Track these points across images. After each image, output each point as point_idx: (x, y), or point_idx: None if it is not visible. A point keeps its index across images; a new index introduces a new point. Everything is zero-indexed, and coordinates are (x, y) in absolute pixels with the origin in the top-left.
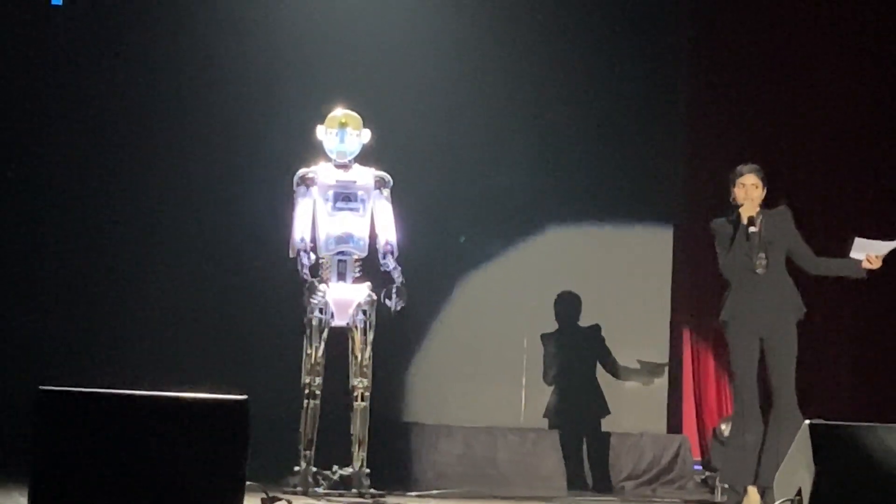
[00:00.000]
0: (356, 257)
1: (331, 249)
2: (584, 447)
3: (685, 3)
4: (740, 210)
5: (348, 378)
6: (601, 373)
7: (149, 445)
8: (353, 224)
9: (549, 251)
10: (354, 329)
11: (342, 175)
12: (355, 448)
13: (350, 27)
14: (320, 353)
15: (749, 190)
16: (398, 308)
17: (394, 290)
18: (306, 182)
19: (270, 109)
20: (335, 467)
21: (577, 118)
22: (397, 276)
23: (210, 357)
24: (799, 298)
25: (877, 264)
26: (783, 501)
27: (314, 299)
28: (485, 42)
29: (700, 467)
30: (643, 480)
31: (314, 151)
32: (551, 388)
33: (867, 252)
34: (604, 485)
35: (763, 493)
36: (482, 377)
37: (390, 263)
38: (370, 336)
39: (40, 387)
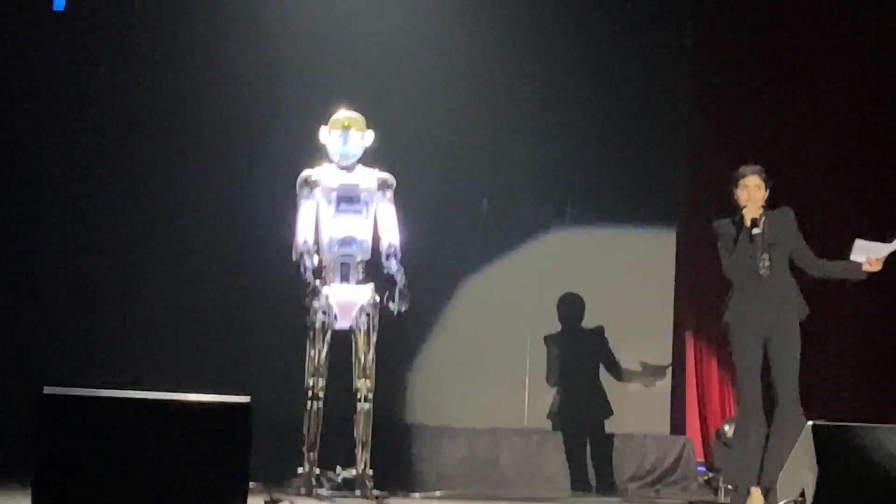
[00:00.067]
0: (359, 259)
1: (334, 252)
2: (588, 448)
3: (687, 4)
4: (743, 211)
5: (351, 380)
6: (604, 374)
7: (151, 447)
8: (357, 226)
9: (551, 253)
10: (357, 331)
11: (345, 177)
12: (358, 450)
13: (353, 29)
14: (323, 355)
15: (752, 191)
16: (401, 310)
17: (396, 293)
18: (309, 184)
19: (273, 111)
20: (338, 469)
21: (579, 119)
22: (400, 279)
23: (213, 359)
24: (802, 299)
25: (877, 267)
26: (786, 502)
27: (317, 302)
28: (487, 43)
29: (703, 468)
30: (647, 482)
31: (317, 153)
32: (554, 389)
33: (867, 254)
34: (607, 486)
35: (766, 493)
36: (485, 379)
37: (393, 265)
38: (373, 338)
39: (43, 389)
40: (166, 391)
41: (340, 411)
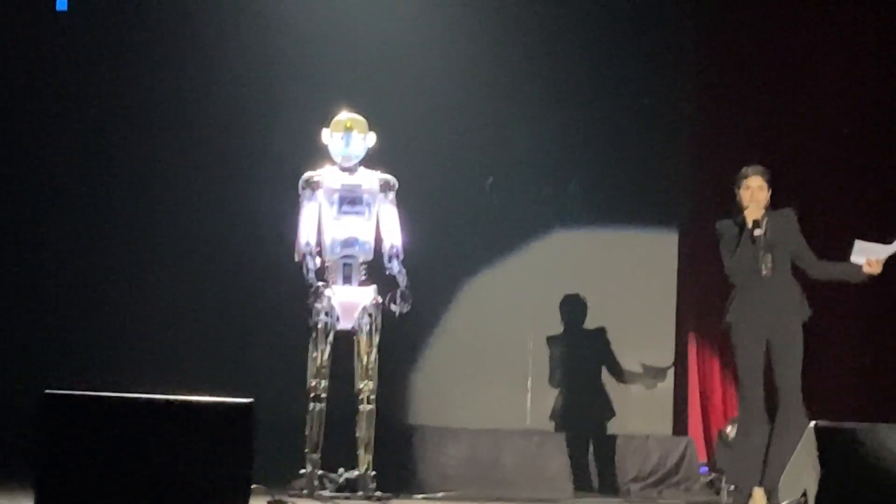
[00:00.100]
0: (361, 261)
1: (336, 253)
2: (590, 449)
3: (689, 5)
4: (745, 212)
5: (354, 381)
6: (606, 375)
7: (153, 448)
8: (359, 228)
9: (554, 254)
10: (360, 332)
11: (347, 179)
12: (361, 451)
13: (354, 30)
14: (326, 356)
15: (754, 192)
16: (403, 311)
17: (398, 294)
18: (312, 186)
19: (275, 113)
20: (341, 470)
21: (581, 120)
22: (402, 280)
23: (215, 360)
24: (804, 300)
25: (877, 269)
26: (788, 503)
27: (320, 303)
28: (489, 45)
29: (706, 469)
30: (649, 482)
31: (319, 155)
32: (557, 390)
33: (867, 256)
34: (610, 487)
35: (769, 494)
36: (487, 380)
37: (395, 267)
38: (376, 339)
39: (45, 390)
40: (168, 392)
41: (343, 412)
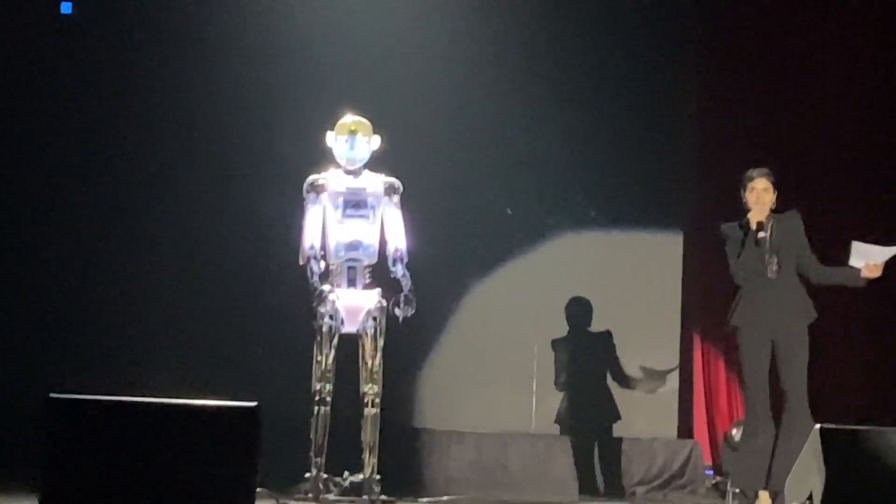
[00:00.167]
0: (366, 264)
1: (341, 256)
2: (595, 452)
3: (695, 7)
4: (750, 214)
5: (359, 384)
6: (611, 378)
7: (159, 452)
8: (363, 231)
9: (558, 256)
10: (365, 335)
11: (352, 182)
12: (366, 454)
13: (359, 34)
14: (331, 359)
15: (759, 194)
16: (407, 315)
17: (402, 299)
18: (316, 189)
19: (280, 116)
20: (346, 474)
21: (586, 122)
22: (406, 284)
23: (220, 363)
24: (810, 302)
25: (876, 273)
26: None
27: (324, 306)
28: (493, 48)
29: (711, 472)
30: (654, 485)
31: (324, 158)
32: (562, 393)
33: (866, 258)
34: (615, 490)
35: (774, 497)
36: (493, 383)
37: (399, 270)
38: (380, 342)
39: (49, 394)
40: (173, 396)
41: (348, 416)
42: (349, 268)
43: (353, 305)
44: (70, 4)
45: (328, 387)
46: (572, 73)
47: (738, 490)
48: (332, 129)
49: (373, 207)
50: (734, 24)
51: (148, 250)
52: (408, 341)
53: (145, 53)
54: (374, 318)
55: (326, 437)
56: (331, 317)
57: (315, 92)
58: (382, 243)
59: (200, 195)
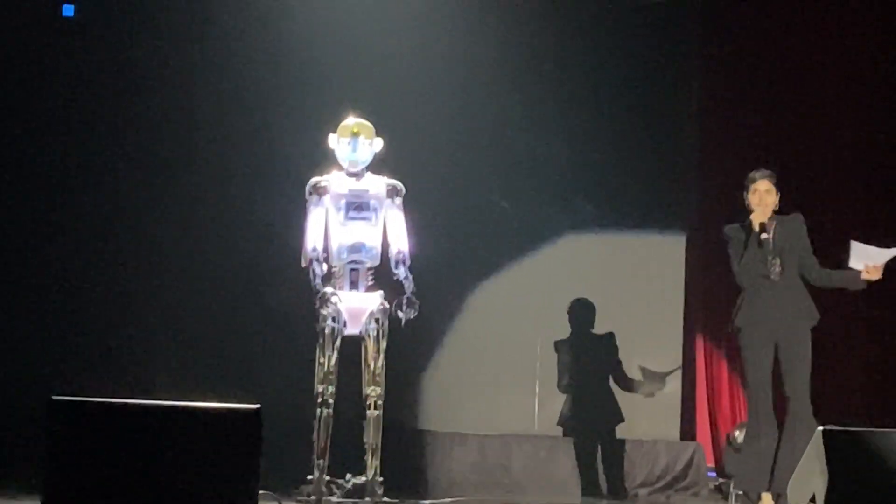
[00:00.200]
0: (368, 266)
1: (343, 259)
2: (598, 454)
3: (697, 9)
4: (752, 216)
5: (361, 387)
6: (614, 380)
7: (161, 455)
8: (366, 233)
9: (561, 258)
10: (367, 337)
11: (354, 184)
12: (368, 456)
13: (362, 36)
14: (333, 361)
15: (762, 196)
16: (410, 318)
17: (404, 301)
18: (318, 191)
19: (282, 118)
20: (348, 476)
21: (588, 124)
22: (408, 286)
23: (222, 366)
24: (813, 305)
25: (876, 275)
26: None
27: (327, 308)
28: (497, 50)
29: (714, 474)
30: (657, 487)
31: (326, 160)
32: (565, 395)
33: (865, 260)
34: (618, 492)
35: (777, 499)
36: (495, 385)
37: (402, 272)
38: (383, 344)
39: (52, 397)
40: (175, 398)
41: (350, 418)
42: (351, 270)
43: (355, 307)
44: (72, 7)
45: (331, 389)
46: (574, 74)
47: (740, 492)
48: (335, 132)
49: (375, 209)
50: (735, 26)
51: (150, 252)
52: (410, 343)
53: (147, 55)
54: (377, 320)
55: (329, 439)
56: (333, 319)
57: (317, 94)
58: (385, 245)
59: (202, 197)
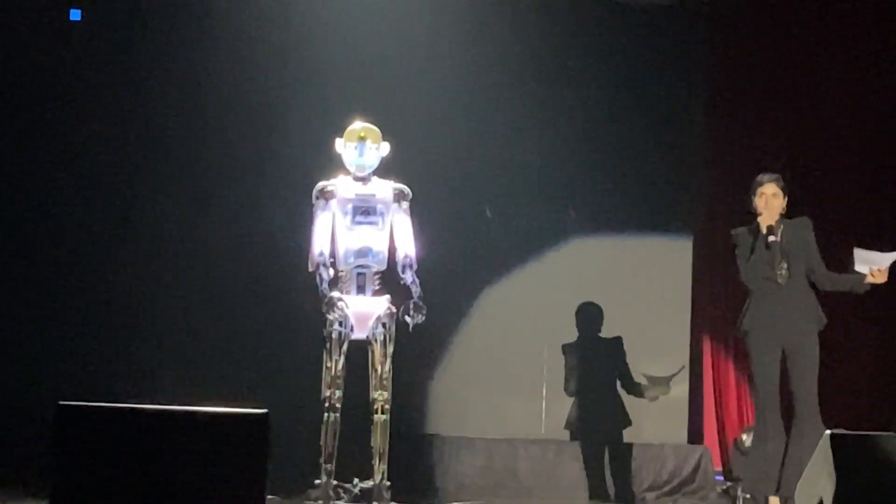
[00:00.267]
0: (375, 271)
1: (350, 263)
2: (606, 458)
3: (703, 11)
4: (759, 219)
5: (368, 391)
6: (621, 383)
7: (169, 460)
8: (373, 238)
9: (567, 261)
10: (374, 342)
11: (361, 188)
12: (376, 461)
13: (369, 40)
14: (340, 366)
15: (769, 199)
16: (417, 322)
17: (411, 306)
18: (325, 195)
19: (289, 123)
20: (356, 480)
21: (594, 127)
22: (415, 291)
23: (230, 371)
24: (820, 308)
25: (881, 278)
26: None
27: (334, 313)
28: (503, 54)
29: (721, 478)
30: (664, 491)
31: (333, 164)
32: (572, 398)
33: (869, 264)
34: (625, 496)
35: (785, 503)
36: (503, 388)
37: (409, 277)
38: (390, 349)
39: (59, 402)
40: (183, 403)
41: (358, 422)
42: (358, 274)
43: (362, 312)
44: (79, 11)
45: (338, 393)
46: (580, 77)
47: (748, 496)
48: (341, 136)
49: (382, 214)
50: (741, 28)
51: (157, 257)
52: (417, 347)
53: (153, 60)
54: (384, 325)
55: (336, 443)
56: (340, 323)
57: (324, 98)
58: (392, 250)
59: (210, 201)
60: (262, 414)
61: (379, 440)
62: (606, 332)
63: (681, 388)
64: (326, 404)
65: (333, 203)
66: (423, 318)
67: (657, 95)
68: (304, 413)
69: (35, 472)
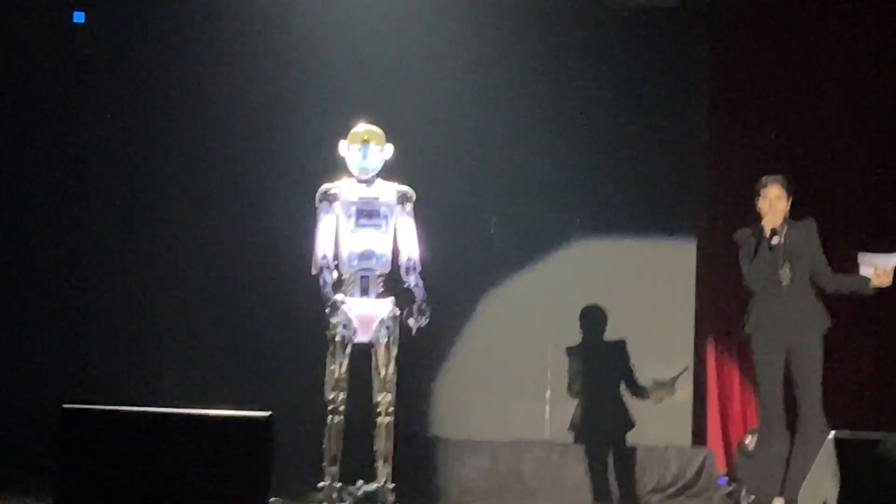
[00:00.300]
0: (379, 273)
1: (353, 266)
2: (610, 460)
3: (706, 13)
4: (763, 221)
5: (372, 394)
6: (625, 386)
7: (172, 462)
8: (376, 240)
9: (571, 264)
10: (378, 345)
11: (365, 191)
12: (380, 463)
13: (373, 42)
14: (344, 368)
15: (773, 201)
16: (421, 325)
17: (415, 309)
18: (329, 198)
19: (292, 125)
20: (360, 483)
21: (598, 130)
22: (419, 294)
23: (233, 373)
24: (824, 310)
25: (886, 280)
26: None
27: (337, 316)
28: (506, 56)
29: (725, 480)
30: (668, 493)
31: (337, 167)
32: (576, 401)
33: (874, 267)
34: (629, 498)
35: None
36: (506, 391)
37: (412, 279)
38: (393, 351)
39: (63, 405)
40: (186, 406)
41: (361, 425)
42: (362, 277)
43: (366, 315)
44: (82, 14)
45: (342, 396)
46: (584, 79)
47: (752, 498)
48: (345, 138)
49: (385, 217)
50: (744, 30)
51: (160, 259)
52: (421, 350)
53: (157, 62)
54: (388, 328)
55: (340, 446)
56: (344, 326)
57: (327, 101)
58: (395, 252)
59: (213, 204)
60: (266, 416)
61: (382, 443)
62: (610, 334)
63: (685, 391)
64: (330, 407)
65: (337, 206)
66: (427, 320)
67: (660, 97)
68: (308, 416)
69: (38, 475)
